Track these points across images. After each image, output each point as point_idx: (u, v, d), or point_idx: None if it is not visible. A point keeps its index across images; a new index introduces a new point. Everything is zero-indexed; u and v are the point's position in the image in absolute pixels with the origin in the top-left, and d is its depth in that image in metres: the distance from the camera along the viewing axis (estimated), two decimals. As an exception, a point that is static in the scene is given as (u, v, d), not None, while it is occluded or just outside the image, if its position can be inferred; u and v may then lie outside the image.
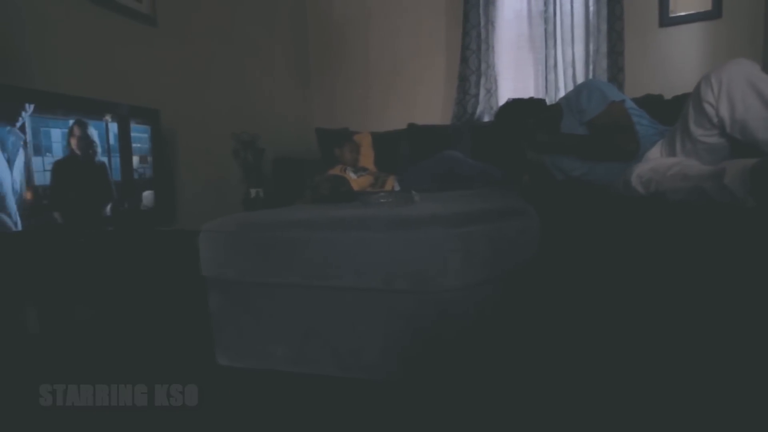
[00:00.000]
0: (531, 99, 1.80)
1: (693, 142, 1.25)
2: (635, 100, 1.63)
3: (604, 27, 2.42)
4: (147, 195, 1.73)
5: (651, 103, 1.92)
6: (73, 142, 1.44)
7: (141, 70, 1.89)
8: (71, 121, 1.43)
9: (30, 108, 1.30)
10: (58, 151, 1.39)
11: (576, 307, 1.22)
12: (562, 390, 0.95)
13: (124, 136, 1.62)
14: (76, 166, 1.46)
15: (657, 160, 1.29)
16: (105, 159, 1.56)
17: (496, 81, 2.74)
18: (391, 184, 2.39)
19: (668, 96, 2.13)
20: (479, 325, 1.00)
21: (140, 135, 1.70)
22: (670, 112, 1.74)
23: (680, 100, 2.02)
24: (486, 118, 2.72)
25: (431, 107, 2.99)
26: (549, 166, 1.70)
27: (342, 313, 1.03)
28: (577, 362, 1.05)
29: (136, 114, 1.67)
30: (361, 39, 3.13)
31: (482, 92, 2.73)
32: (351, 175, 2.36)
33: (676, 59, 2.46)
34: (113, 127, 1.58)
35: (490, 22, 2.69)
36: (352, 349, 1.04)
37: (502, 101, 2.71)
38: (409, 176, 2.33)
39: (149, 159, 1.74)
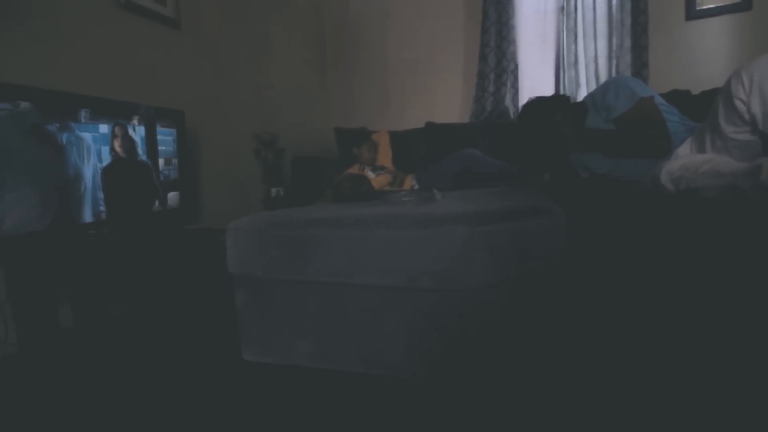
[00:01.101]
0: (556, 95, 1.78)
1: (723, 140, 1.21)
2: (662, 96, 1.59)
3: (628, 21, 2.36)
4: (172, 195, 1.78)
5: (678, 99, 1.87)
6: (116, 143, 1.50)
7: (165, 72, 1.94)
8: (102, 125, 1.47)
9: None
10: (92, 152, 1.44)
11: (604, 307, 1.20)
12: (588, 390, 0.93)
13: (151, 137, 1.66)
14: (121, 167, 1.53)
15: (688, 157, 1.26)
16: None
17: (515, 79, 2.71)
18: (410, 182, 2.39)
19: (696, 91, 2.07)
20: (504, 324, 0.99)
21: (165, 137, 1.74)
22: (698, 108, 1.69)
23: (708, 96, 1.96)
24: (505, 116, 2.69)
25: (449, 106, 2.97)
26: (574, 163, 1.68)
27: (366, 310, 1.04)
28: (604, 362, 1.04)
29: (162, 116, 1.71)
30: (378, 38, 3.13)
31: (501, 90, 2.70)
32: (369, 174, 2.37)
33: (703, 54, 2.39)
34: (140, 130, 1.62)
35: (509, 19, 2.66)
36: (375, 347, 1.04)
37: (521, 99, 2.69)
38: (428, 175, 2.33)
39: (174, 160, 1.78)
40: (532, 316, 1.05)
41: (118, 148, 1.50)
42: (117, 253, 1.35)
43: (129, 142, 1.55)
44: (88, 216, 1.42)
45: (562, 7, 2.55)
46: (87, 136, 1.42)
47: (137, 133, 1.61)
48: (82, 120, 1.41)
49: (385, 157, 2.68)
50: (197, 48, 2.12)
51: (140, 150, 1.60)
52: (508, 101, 2.70)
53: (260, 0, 2.58)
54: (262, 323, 1.15)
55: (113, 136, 1.49)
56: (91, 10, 1.63)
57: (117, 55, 1.71)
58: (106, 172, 1.46)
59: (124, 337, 1.45)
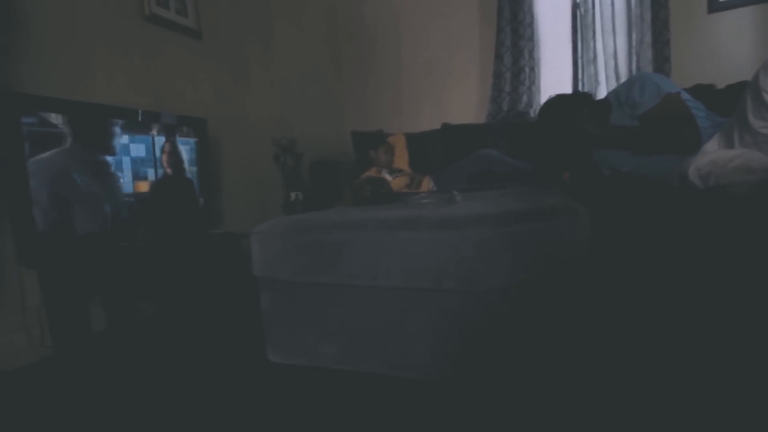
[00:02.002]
0: (578, 93, 1.75)
1: (753, 135, 1.18)
2: (686, 92, 1.55)
3: (648, 16, 2.32)
4: (197, 201, 1.82)
5: (703, 94, 1.82)
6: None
7: (187, 81, 1.99)
8: (132, 133, 1.52)
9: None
10: (119, 161, 1.49)
11: (631, 308, 1.17)
12: (616, 391, 0.92)
13: (176, 145, 1.70)
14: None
15: (717, 153, 1.23)
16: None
17: (532, 77, 2.68)
18: (427, 184, 2.39)
19: (720, 86, 2.01)
20: (528, 325, 0.99)
21: (188, 145, 1.79)
22: (724, 102, 1.65)
23: (734, 90, 1.91)
24: (523, 116, 2.67)
25: (465, 106, 2.96)
26: (597, 161, 1.65)
27: (390, 312, 1.04)
28: (631, 364, 1.02)
29: (185, 124, 1.76)
30: (392, 40, 3.14)
31: (518, 89, 2.68)
32: (386, 177, 2.38)
33: (727, 46, 2.33)
34: (166, 138, 1.66)
35: (524, 17, 2.63)
36: (400, 348, 1.05)
37: (539, 98, 2.66)
38: (445, 176, 2.32)
39: (197, 166, 1.82)
40: (557, 317, 1.04)
41: (165, 162, 1.57)
42: (146, 258, 1.39)
43: (176, 156, 1.62)
44: (118, 223, 1.47)
45: (579, 4, 2.51)
46: (123, 146, 1.47)
47: (163, 140, 1.65)
48: (118, 132, 1.46)
49: (401, 159, 2.69)
50: (217, 57, 2.17)
51: (186, 163, 1.66)
52: (525, 101, 2.67)
53: (276, 8, 2.62)
54: (287, 325, 1.17)
55: (162, 150, 1.56)
56: (119, 22, 1.69)
57: (141, 65, 1.77)
58: (153, 184, 1.55)
59: (153, 339, 1.49)
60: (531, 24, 2.64)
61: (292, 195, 2.32)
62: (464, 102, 2.97)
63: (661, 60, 2.30)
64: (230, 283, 1.63)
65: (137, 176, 1.55)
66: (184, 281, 1.51)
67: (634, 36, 2.39)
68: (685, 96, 1.45)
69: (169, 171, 1.68)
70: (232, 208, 2.20)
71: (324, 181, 2.48)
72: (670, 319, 1.13)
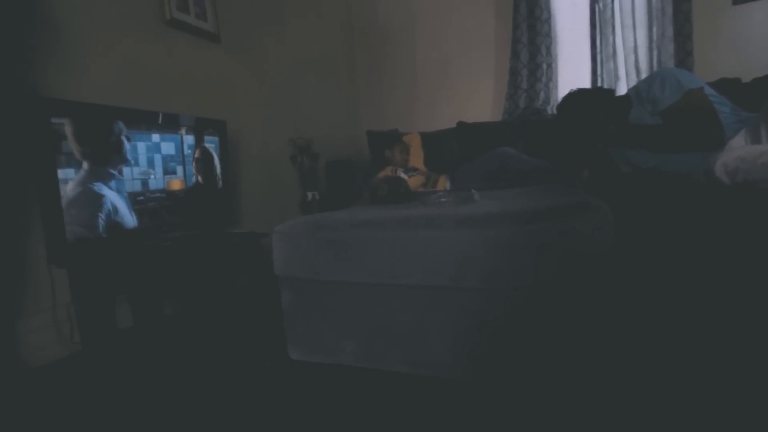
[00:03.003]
0: (599, 89, 1.72)
1: None
2: (710, 86, 1.52)
3: (669, 9, 2.26)
4: (216, 201, 1.85)
5: (728, 88, 1.77)
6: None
7: (207, 84, 2.03)
8: (155, 135, 1.56)
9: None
10: (143, 162, 1.53)
11: (656, 306, 1.15)
12: (638, 391, 0.90)
13: (197, 146, 1.74)
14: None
15: (744, 148, 1.19)
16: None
17: (549, 74, 2.64)
18: (443, 183, 2.38)
19: (747, 79, 1.96)
20: (550, 324, 0.98)
21: (209, 145, 1.82)
22: (751, 96, 1.61)
23: (761, 84, 1.86)
24: (540, 113, 2.63)
25: (481, 105, 2.94)
26: (616, 159, 1.62)
27: (410, 310, 1.05)
28: (655, 363, 1.00)
29: (205, 125, 1.79)
30: (407, 39, 3.14)
31: (535, 86, 2.65)
32: (402, 176, 2.38)
33: (754, 39, 2.26)
34: (188, 139, 1.70)
35: (541, 13, 2.60)
36: (420, 347, 1.05)
37: (556, 94, 2.62)
38: (462, 174, 2.31)
39: (217, 167, 1.86)
40: (579, 317, 1.02)
41: (186, 163, 1.62)
42: (171, 257, 1.42)
43: (197, 158, 1.66)
44: (143, 223, 1.51)
45: (597, -2, 2.47)
46: (144, 148, 1.51)
47: (185, 142, 1.69)
48: (140, 134, 1.50)
49: (417, 158, 2.69)
50: (235, 59, 2.20)
51: (206, 164, 1.71)
52: (542, 97, 2.64)
53: (290, 10, 2.65)
54: (308, 323, 1.18)
55: (183, 152, 1.62)
56: (141, 27, 1.73)
57: (162, 68, 1.81)
58: (175, 185, 1.60)
59: (177, 336, 1.52)
60: (548, 20, 2.61)
61: (309, 195, 2.35)
62: (480, 100, 2.95)
63: (683, 54, 2.24)
64: (251, 282, 1.65)
65: (160, 177, 1.58)
66: (207, 280, 1.54)
67: (654, 30, 2.34)
68: (708, 91, 1.41)
69: (191, 172, 1.72)
70: (249, 207, 2.23)
71: (340, 180, 2.50)
72: (697, 318, 1.11)
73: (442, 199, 1.35)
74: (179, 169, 1.66)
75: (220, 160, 1.87)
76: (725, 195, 1.15)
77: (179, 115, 1.68)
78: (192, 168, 1.72)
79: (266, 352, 1.29)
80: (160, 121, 1.58)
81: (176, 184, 1.66)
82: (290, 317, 1.21)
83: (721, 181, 1.16)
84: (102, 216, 1.38)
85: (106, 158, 1.40)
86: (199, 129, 1.75)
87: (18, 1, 1.35)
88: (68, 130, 1.29)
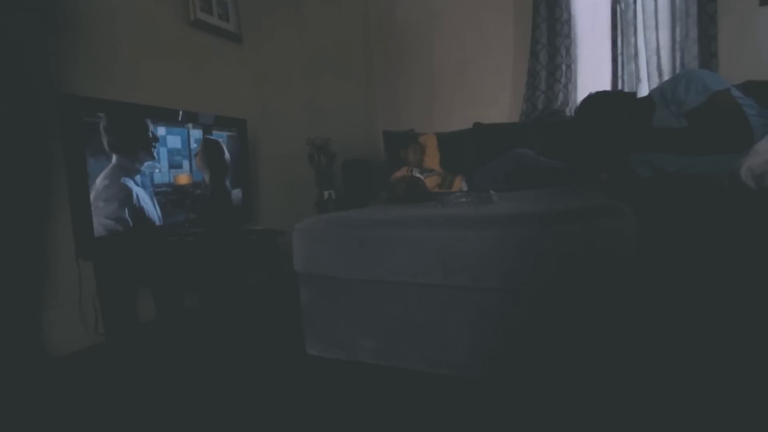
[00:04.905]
0: (620, 92, 1.70)
1: None
2: (736, 88, 1.48)
3: (693, 10, 2.22)
4: (235, 198, 1.89)
5: (755, 90, 1.72)
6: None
7: (229, 83, 2.06)
8: (178, 133, 1.60)
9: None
10: (167, 159, 1.57)
11: (678, 310, 1.14)
12: (658, 394, 0.89)
13: (218, 145, 1.77)
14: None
15: (772, 152, 1.17)
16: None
17: (568, 75, 2.62)
18: (459, 184, 2.38)
19: (774, 81, 1.91)
20: (571, 326, 0.97)
21: (230, 144, 1.86)
22: (780, 98, 1.56)
23: (790, 86, 1.81)
24: (559, 115, 2.61)
25: (498, 106, 2.93)
26: (635, 162, 1.60)
27: (429, 309, 1.05)
28: (676, 366, 0.99)
29: (226, 124, 1.83)
30: (425, 40, 3.15)
31: (554, 87, 2.62)
32: (418, 176, 2.38)
33: (781, 40, 2.20)
34: (209, 137, 1.74)
35: (561, 14, 2.58)
36: (438, 346, 1.06)
37: (576, 96, 2.59)
38: (478, 175, 2.30)
39: (237, 165, 1.89)
40: (599, 319, 1.02)
41: (209, 161, 1.66)
42: (194, 252, 1.46)
43: (219, 156, 1.70)
44: (166, 218, 1.55)
45: (618, -1, 2.44)
46: (169, 145, 1.55)
47: (206, 140, 1.73)
48: (165, 131, 1.54)
49: (432, 159, 2.69)
50: (255, 59, 2.24)
51: (228, 163, 1.75)
52: (561, 99, 2.62)
53: (310, 11, 2.68)
54: (326, 320, 1.20)
55: (206, 150, 1.66)
56: (166, 28, 1.77)
57: (187, 68, 1.85)
58: (197, 182, 1.63)
59: (197, 329, 1.56)
60: (568, 20, 2.59)
61: (326, 194, 2.37)
62: (498, 101, 2.94)
63: (708, 56, 2.20)
64: (268, 278, 1.68)
65: (183, 174, 1.62)
66: (227, 275, 1.57)
67: (678, 31, 2.30)
68: (735, 93, 1.39)
69: (213, 170, 1.75)
70: (267, 205, 2.26)
71: (356, 180, 2.51)
72: (721, 322, 1.09)
73: (461, 200, 1.36)
74: (202, 168, 1.70)
75: (240, 158, 1.90)
76: (751, 199, 1.12)
77: (201, 113, 1.72)
78: (213, 166, 1.76)
79: (283, 347, 1.31)
80: (182, 119, 1.62)
81: (197, 182, 1.69)
82: (308, 313, 1.23)
83: (747, 185, 1.14)
84: (128, 210, 1.42)
85: (132, 154, 1.44)
86: (220, 127, 1.79)
87: (50, 4, 1.40)
88: (99, 127, 1.33)
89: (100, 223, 1.34)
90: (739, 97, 1.38)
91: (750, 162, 1.15)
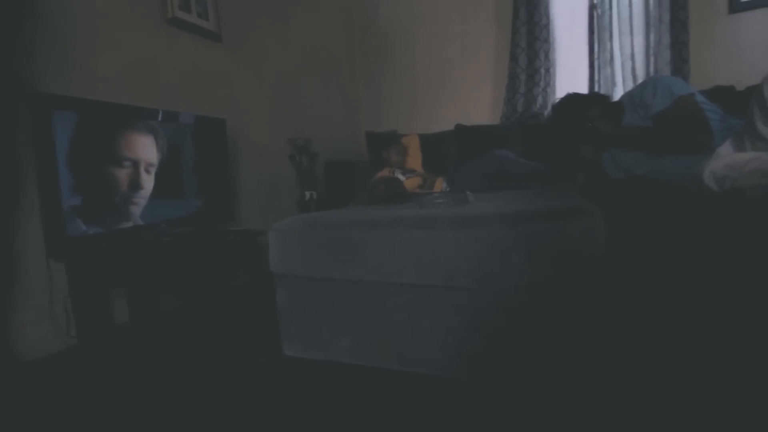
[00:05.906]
0: (593, 93, 1.75)
1: (764, 142, 1.18)
2: (703, 93, 1.54)
3: (666, 17, 2.29)
4: (216, 199, 1.87)
5: (722, 96, 1.80)
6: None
7: (207, 82, 2.04)
8: (155, 132, 1.58)
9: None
10: (144, 159, 1.54)
11: (646, 307, 1.17)
12: (627, 391, 0.92)
13: (196, 144, 1.76)
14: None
15: (731, 156, 1.22)
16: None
17: (547, 78, 2.67)
18: (440, 185, 2.40)
19: (741, 87, 1.98)
20: (540, 325, 1.00)
21: (208, 144, 1.84)
22: (744, 104, 1.62)
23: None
24: (538, 117, 2.66)
25: (479, 108, 2.97)
26: (606, 163, 1.65)
27: (404, 308, 1.07)
28: (643, 363, 1.02)
29: (205, 124, 1.81)
30: (407, 42, 3.17)
31: (533, 90, 2.67)
32: (400, 177, 2.40)
33: (748, 47, 2.28)
34: (188, 137, 1.72)
35: (540, 18, 2.63)
36: (413, 344, 1.07)
37: (553, 99, 2.64)
38: (459, 176, 2.33)
39: (217, 165, 1.87)
40: (569, 318, 1.04)
41: (185, 161, 1.63)
42: (169, 253, 1.44)
43: (196, 156, 1.68)
44: (142, 219, 1.52)
45: (596, 5, 2.50)
46: (144, 145, 1.53)
47: (185, 140, 1.71)
48: (140, 131, 1.52)
49: (415, 160, 2.71)
50: (235, 58, 2.22)
51: (206, 162, 1.73)
52: (540, 102, 2.67)
53: (292, 10, 2.67)
54: (303, 320, 1.20)
55: (182, 150, 1.61)
56: (143, 25, 1.75)
57: (164, 66, 1.83)
58: (174, 182, 1.59)
59: (173, 331, 1.54)
60: (547, 25, 2.64)
61: (307, 194, 2.36)
62: (479, 103, 2.98)
63: (680, 61, 2.27)
64: (248, 279, 1.67)
65: (159, 174, 1.60)
66: (204, 276, 1.56)
67: (651, 37, 2.37)
68: (699, 98, 1.44)
69: (189, 170, 1.73)
70: (247, 206, 2.25)
71: (338, 180, 2.52)
72: (685, 320, 1.13)
73: (438, 200, 1.37)
74: (178, 167, 1.68)
75: (220, 158, 1.88)
76: (713, 200, 1.17)
77: (179, 113, 1.70)
78: (191, 166, 1.74)
79: (261, 348, 1.31)
80: (160, 119, 1.60)
81: (175, 181, 1.67)
82: (285, 314, 1.23)
83: (710, 187, 1.18)
84: (101, 211, 1.40)
85: (106, 154, 1.42)
86: (199, 127, 1.77)
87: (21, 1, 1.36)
88: (69, 126, 1.31)
89: (72, 224, 1.31)
90: (703, 103, 1.44)
91: (712, 166, 1.20)
